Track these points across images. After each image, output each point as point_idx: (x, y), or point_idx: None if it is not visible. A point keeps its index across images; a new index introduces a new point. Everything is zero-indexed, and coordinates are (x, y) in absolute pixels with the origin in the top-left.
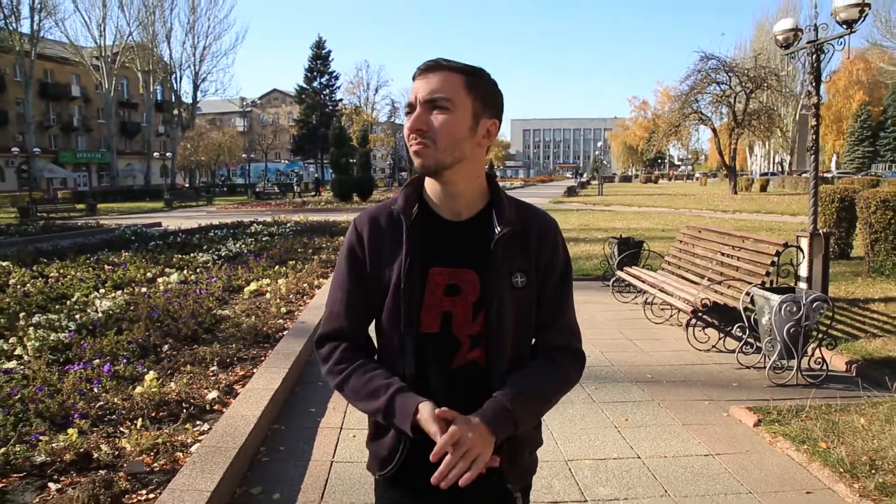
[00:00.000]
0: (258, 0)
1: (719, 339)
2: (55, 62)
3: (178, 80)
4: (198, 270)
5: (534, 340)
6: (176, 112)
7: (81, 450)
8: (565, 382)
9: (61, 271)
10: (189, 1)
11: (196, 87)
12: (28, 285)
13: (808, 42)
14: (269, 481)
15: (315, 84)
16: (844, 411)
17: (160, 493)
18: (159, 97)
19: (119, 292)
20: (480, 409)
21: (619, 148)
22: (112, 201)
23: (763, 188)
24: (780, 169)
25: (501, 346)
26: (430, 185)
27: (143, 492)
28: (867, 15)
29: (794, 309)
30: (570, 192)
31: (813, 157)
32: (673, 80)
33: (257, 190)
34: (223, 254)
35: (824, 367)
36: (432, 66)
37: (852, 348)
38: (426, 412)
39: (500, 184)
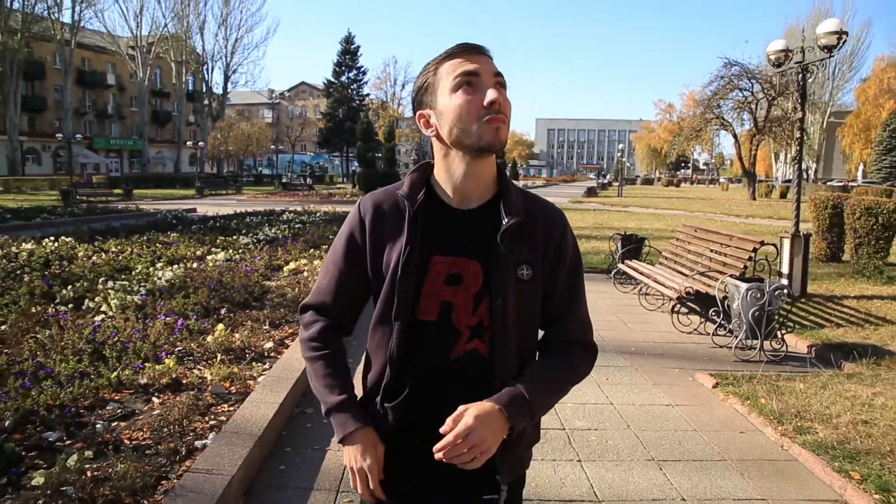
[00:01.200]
0: None
1: (700, 323)
2: (92, 51)
3: (210, 70)
4: (241, 251)
5: (547, 332)
6: (206, 102)
7: (174, 376)
8: (578, 374)
9: (119, 247)
10: None
11: (227, 79)
12: (94, 258)
13: (796, 63)
14: (317, 406)
15: (343, 78)
16: (790, 380)
17: (240, 405)
18: (191, 87)
19: (175, 266)
20: (497, 396)
21: (643, 150)
22: (144, 187)
23: (783, 195)
24: (805, 176)
25: (506, 337)
26: (448, 169)
27: (226, 406)
28: (845, 41)
29: (759, 295)
30: (590, 192)
31: (797, 165)
32: (700, 84)
33: (283, 181)
34: (261, 237)
35: (784, 348)
36: (482, 49)
37: (816, 335)
38: (362, 451)
39: (523, 182)
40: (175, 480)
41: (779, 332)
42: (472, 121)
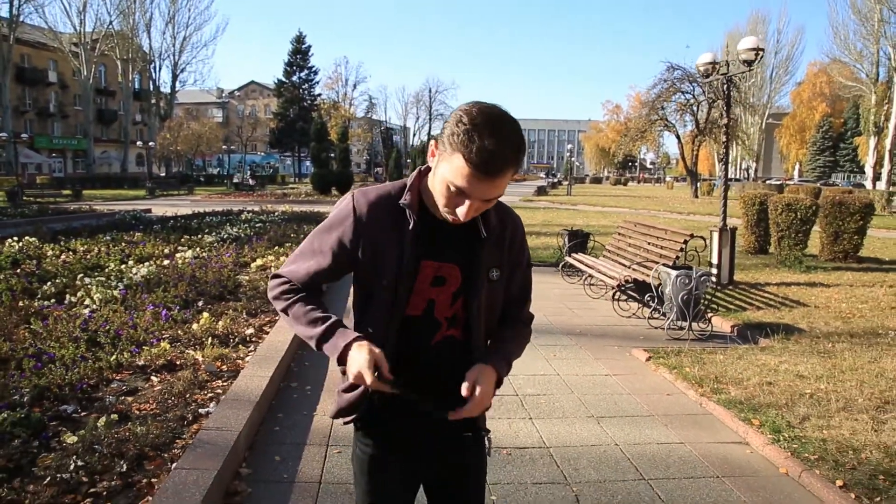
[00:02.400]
0: None
1: (639, 308)
2: (32, 47)
3: (157, 69)
4: (207, 249)
5: (505, 313)
6: (154, 101)
7: (168, 358)
8: (528, 340)
9: (85, 247)
10: None
11: (175, 78)
12: (63, 257)
13: (721, 74)
14: (302, 380)
15: (294, 78)
16: (712, 353)
17: (234, 380)
18: (137, 86)
19: (147, 264)
20: (490, 358)
21: (592, 150)
22: (91, 188)
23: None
24: (745, 175)
25: (479, 325)
26: (430, 185)
27: (220, 381)
28: (762, 56)
29: (687, 281)
30: (540, 191)
31: (724, 166)
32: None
33: (235, 181)
34: (225, 236)
35: (710, 328)
36: (504, 171)
37: (739, 316)
38: (361, 350)
39: None
40: (188, 439)
41: (706, 314)
42: (441, 205)
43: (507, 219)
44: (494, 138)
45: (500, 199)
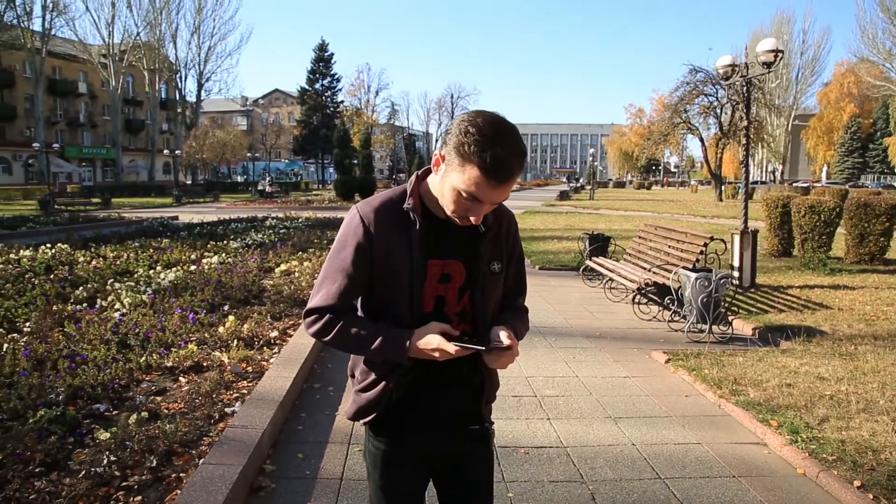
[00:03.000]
0: (263, 1)
1: (659, 311)
2: (63, 59)
3: (183, 79)
4: (232, 255)
5: (504, 302)
6: (180, 110)
7: (196, 360)
8: (528, 328)
9: (115, 253)
10: (195, 2)
11: (200, 87)
12: (94, 263)
13: (741, 77)
14: (324, 381)
15: (317, 86)
16: (731, 355)
17: (258, 381)
18: (164, 95)
19: (174, 269)
20: (509, 325)
21: (615, 154)
22: (119, 196)
23: (751, 196)
24: (771, 178)
25: (485, 318)
26: (437, 197)
27: (245, 382)
28: (781, 58)
29: (706, 283)
30: (563, 196)
31: (744, 169)
32: (668, 88)
33: (260, 188)
34: (250, 242)
35: (730, 331)
36: (513, 176)
37: (760, 319)
38: (423, 334)
39: None
40: (215, 437)
41: (727, 317)
42: (450, 211)
43: (501, 214)
44: (503, 147)
45: (521, 204)
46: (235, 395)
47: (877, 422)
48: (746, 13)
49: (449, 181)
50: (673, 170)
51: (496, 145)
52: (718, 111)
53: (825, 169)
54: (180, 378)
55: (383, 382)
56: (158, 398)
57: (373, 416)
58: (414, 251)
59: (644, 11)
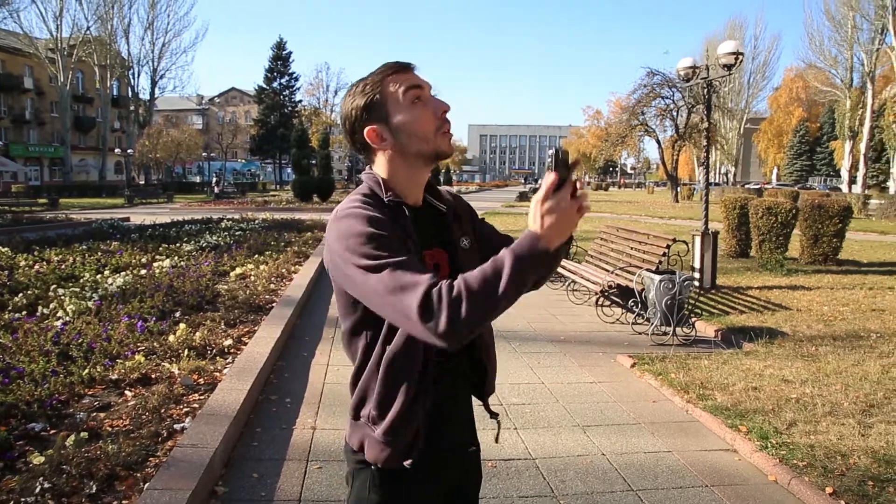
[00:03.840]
0: None
1: (622, 313)
2: (8, 53)
3: (136, 75)
4: (185, 258)
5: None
6: (133, 108)
7: (143, 371)
8: None
9: (60, 257)
10: None
11: (154, 84)
12: (36, 267)
13: (701, 79)
14: (281, 392)
15: (275, 84)
16: (696, 358)
17: (211, 394)
18: (115, 92)
19: (123, 273)
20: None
21: (573, 155)
22: (68, 196)
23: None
24: (724, 179)
25: None
26: (406, 175)
27: (196, 395)
28: (741, 61)
29: (670, 286)
30: (522, 197)
31: (704, 171)
32: (626, 91)
33: (221, 189)
34: (204, 245)
35: (693, 332)
36: (413, 66)
37: (722, 320)
38: (558, 212)
39: (456, 188)
40: (162, 457)
41: (689, 319)
42: (430, 132)
43: (452, 195)
44: (384, 64)
45: (482, 205)
46: (186, 409)
47: (843, 425)
48: (701, 19)
49: (399, 112)
50: (629, 171)
51: (378, 69)
52: (675, 113)
53: (775, 171)
54: (126, 392)
55: (415, 407)
56: (101, 415)
57: (410, 459)
58: (415, 244)
59: (600, 14)
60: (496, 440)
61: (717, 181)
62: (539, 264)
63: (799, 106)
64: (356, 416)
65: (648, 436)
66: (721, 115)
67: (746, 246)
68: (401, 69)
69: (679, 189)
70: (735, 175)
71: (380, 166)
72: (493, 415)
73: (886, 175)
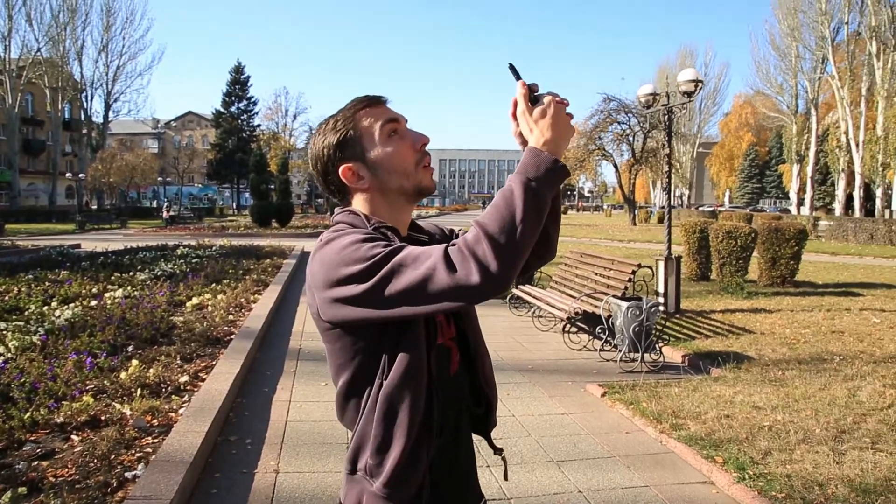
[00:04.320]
0: (176, 21)
1: (589, 340)
2: None
3: (89, 98)
4: (139, 287)
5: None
6: (85, 131)
7: (92, 413)
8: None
9: (4, 287)
10: (103, 19)
11: (108, 107)
12: None
13: (662, 105)
14: (241, 433)
15: (233, 108)
16: (666, 385)
17: (166, 437)
18: (67, 115)
19: (72, 305)
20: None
21: None
22: (15, 222)
23: (661, 220)
24: (679, 202)
25: (476, 336)
26: (389, 213)
27: (150, 438)
28: (701, 88)
29: (638, 312)
30: None
31: (667, 195)
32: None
33: (171, 214)
34: (158, 273)
35: (661, 359)
36: (385, 100)
37: (689, 345)
38: (548, 118)
39: (416, 212)
40: None
41: (657, 345)
42: (410, 166)
43: (436, 226)
44: (355, 99)
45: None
46: (138, 454)
47: (817, 453)
48: (654, 45)
49: (377, 147)
50: (587, 194)
51: (349, 104)
52: (631, 138)
53: (728, 193)
54: (73, 436)
55: (418, 451)
56: (44, 463)
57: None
58: None
59: (554, 40)
60: (504, 477)
61: (672, 204)
62: (551, 177)
63: (748, 131)
64: (352, 469)
65: (624, 470)
66: (676, 139)
67: (707, 269)
68: (373, 103)
69: (636, 212)
70: (689, 197)
71: (358, 206)
72: (497, 450)
73: (832, 197)
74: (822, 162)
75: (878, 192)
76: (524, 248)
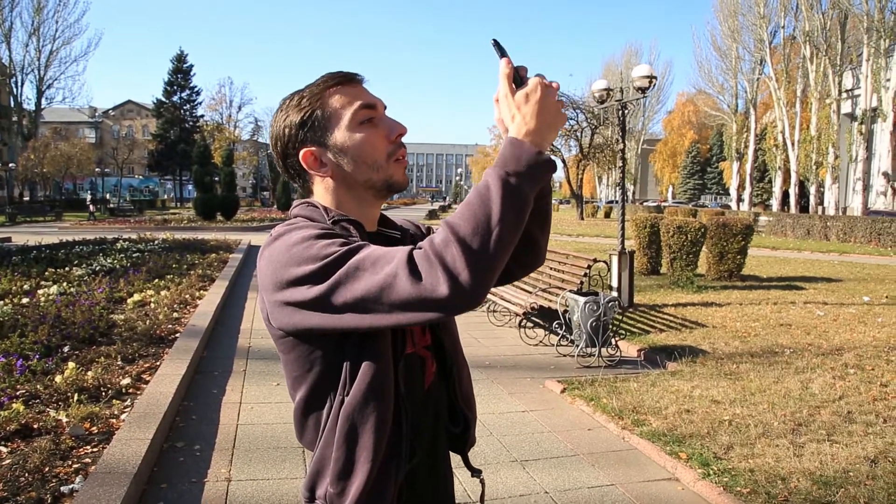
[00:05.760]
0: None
1: (545, 335)
2: None
3: (19, 84)
4: (76, 283)
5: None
6: (15, 119)
7: (23, 422)
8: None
9: None
10: (34, 1)
11: (40, 94)
12: None
13: (616, 100)
14: (189, 438)
15: (175, 98)
16: (625, 380)
17: (107, 445)
18: None
19: (0, 303)
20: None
21: (479, 173)
22: None
23: (607, 214)
24: (625, 198)
25: (453, 341)
26: (354, 204)
27: (89, 447)
28: (655, 84)
29: (595, 307)
30: (432, 215)
31: (621, 190)
32: None
33: (110, 206)
34: (97, 268)
35: (618, 353)
36: (361, 78)
37: (644, 339)
38: (533, 102)
39: None
40: None
41: (613, 340)
42: (381, 158)
43: (411, 222)
44: (326, 74)
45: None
46: (76, 465)
47: (777, 446)
48: (599, 43)
49: (344, 134)
50: None
51: (319, 80)
52: (579, 134)
53: (671, 189)
54: (1, 448)
55: (384, 479)
56: None
57: None
58: None
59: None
60: (481, 501)
61: (617, 199)
62: (533, 172)
63: (691, 129)
64: (311, 497)
65: (589, 468)
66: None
67: (657, 263)
68: (346, 80)
69: (584, 206)
70: (634, 193)
71: (319, 198)
72: (475, 472)
73: (769, 194)
74: (760, 160)
75: (812, 190)
76: (501, 255)
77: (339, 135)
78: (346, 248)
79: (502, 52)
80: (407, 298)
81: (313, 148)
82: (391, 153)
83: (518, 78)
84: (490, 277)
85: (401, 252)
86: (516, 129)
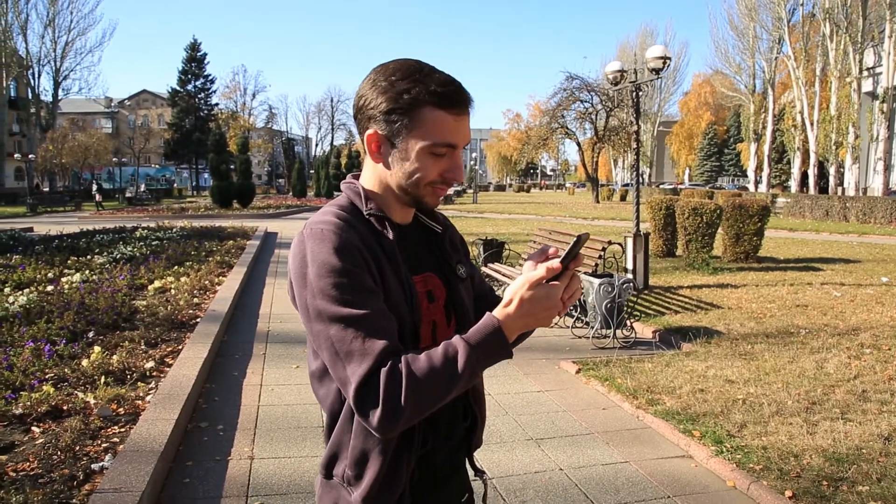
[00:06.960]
0: None
1: (561, 317)
2: None
3: (37, 76)
4: (98, 271)
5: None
6: (33, 110)
7: (53, 403)
8: None
9: None
10: None
11: (57, 85)
12: None
13: (630, 82)
14: (212, 419)
15: (189, 87)
16: (640, 361)
17: (133, 426)
18: (13, 93)
19: (25, 291)
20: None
21: (494, 158)
22: None
23: (623, 198)
24: (641, 180)
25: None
26: (387, 191)
27: (116, 427)
28: (669, 65)
29: (610, 289)
30: (447, 199)
31: (635, 173)
32: (545, 95)
33: (128, 196)
34: (118, 256)
35: (633, 335)
36: (470, 104)
37: (659, 321)
38: (514, 295)
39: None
40: None
41: (628, 321)
42: (424, 182)
43: (441, 215)
44: (437, 73)
45: None
46: (105, 445)
47: (791, 424)
48: (614, 25)
49: (411, 149)
50: (549, 173)
51: (432, 72)
52: (594, 117)
53: (687, 172)
54: (33, 427)
55: (397, 468)
56: (3, 457)
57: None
58: (399, 268)
59: (518, 21)
60: (483, 501)
61: (632, 182)
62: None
63: (707, 110)
64: (328, 474)
65: (604, 446)
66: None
67: (673, 245)
68: (454, 106)
69: (599, 190)
70: (650, 175)
71: (367, 175)
72: (480, 472)
73: (788, 175)
74: (778, 140)
75: (832, 170)
76: (433, 410)
77: (411, 146)
78: (345, 310)
79: (567, 256)
80: (351, 400)
81: (382, 135)
82: (434, 183)
83: (570, 259)
84: (414, 421)
85: (367, 362)
86: (506, 310)
